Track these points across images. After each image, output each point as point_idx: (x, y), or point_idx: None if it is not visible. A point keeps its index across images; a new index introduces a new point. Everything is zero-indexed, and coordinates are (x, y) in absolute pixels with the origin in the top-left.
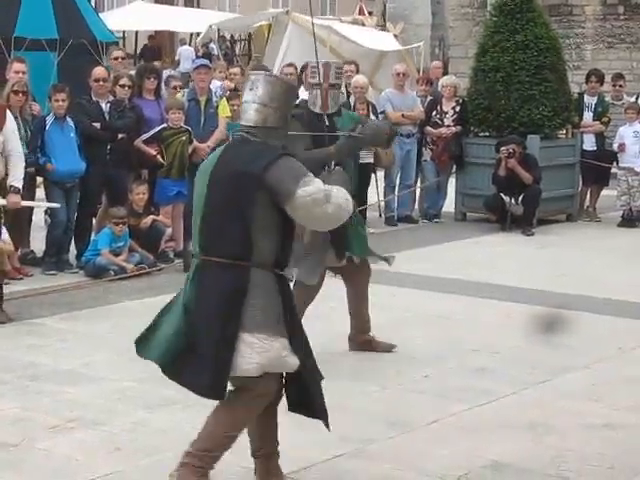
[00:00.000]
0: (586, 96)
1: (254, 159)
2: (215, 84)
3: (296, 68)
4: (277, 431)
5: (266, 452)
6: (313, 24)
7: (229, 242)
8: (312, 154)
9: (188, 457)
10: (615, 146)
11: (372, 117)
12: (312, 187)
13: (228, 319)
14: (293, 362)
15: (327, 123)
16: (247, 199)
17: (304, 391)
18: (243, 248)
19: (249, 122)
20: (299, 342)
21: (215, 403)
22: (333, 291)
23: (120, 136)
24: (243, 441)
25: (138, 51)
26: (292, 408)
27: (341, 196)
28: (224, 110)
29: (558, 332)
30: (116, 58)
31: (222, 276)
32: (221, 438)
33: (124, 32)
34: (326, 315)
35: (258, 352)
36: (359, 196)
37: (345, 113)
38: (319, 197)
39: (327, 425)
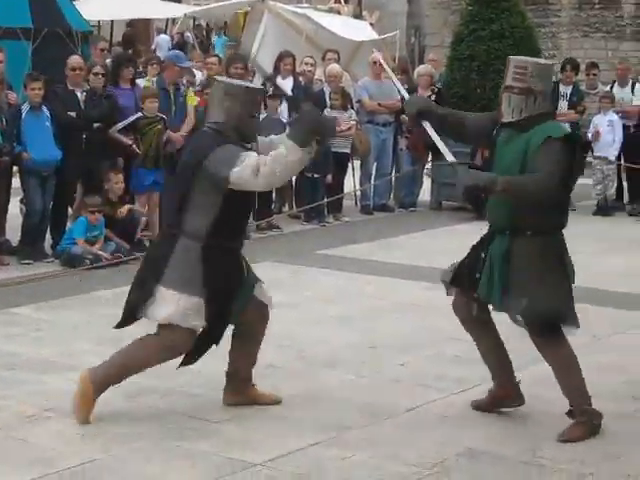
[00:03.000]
0: (561, 85)
1: None
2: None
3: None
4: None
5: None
6: None
7: (170, 214)
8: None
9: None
10: (590, 135)
11: (348, 107)
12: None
13: (151, 273)
14: (194, 322)
15: (498, 136)
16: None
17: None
18: (176, 220)
19: None
20: (214, 312)
21: None
22: (308, 280)
23: (96, 125)
24: (227, 433)
25: (114, 40)
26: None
27: (269, 169)
28: (192, 99)
29: None
30: (102, 50)
31: (159, 238)
32: (116, 367)
33: (99, 21)
34: (300, 304)
35: (167, 304)
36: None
37: (546, 126)
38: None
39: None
